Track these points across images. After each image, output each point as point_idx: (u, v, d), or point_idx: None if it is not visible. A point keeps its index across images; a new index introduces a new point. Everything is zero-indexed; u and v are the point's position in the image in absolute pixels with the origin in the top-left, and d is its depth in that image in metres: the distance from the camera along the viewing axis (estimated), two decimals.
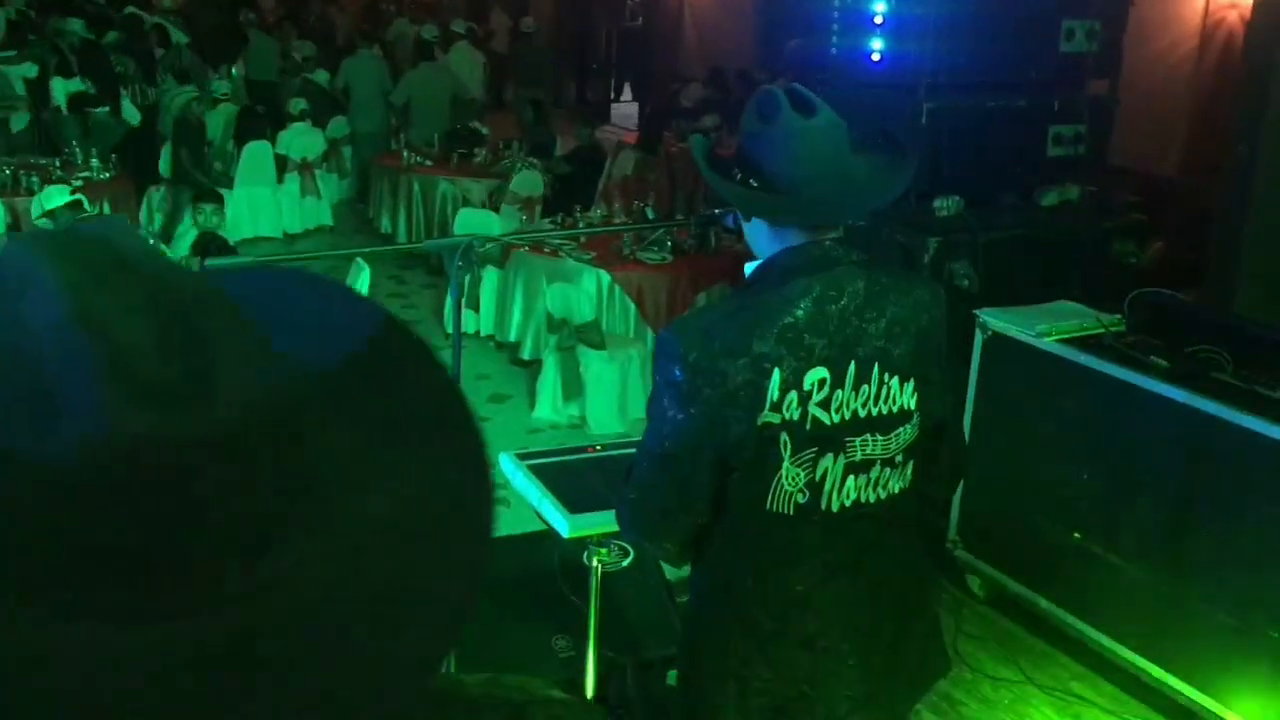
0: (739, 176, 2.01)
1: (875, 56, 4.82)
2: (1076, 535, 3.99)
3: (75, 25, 10.84)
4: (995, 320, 4.20)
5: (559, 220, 7.80)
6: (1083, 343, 3.97)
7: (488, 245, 7.63)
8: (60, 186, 6.58)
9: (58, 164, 8.42)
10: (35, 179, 7.92)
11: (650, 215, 7.80)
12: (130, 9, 12.91)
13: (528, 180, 8.79)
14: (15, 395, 0.57)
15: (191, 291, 0.62)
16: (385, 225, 9.78)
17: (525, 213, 8.46)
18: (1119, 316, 4.00)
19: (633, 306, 6.73)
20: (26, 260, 0.60)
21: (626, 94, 18.58)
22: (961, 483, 3.00)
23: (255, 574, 0.62)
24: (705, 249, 6.95)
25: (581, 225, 7.53)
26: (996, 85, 5.00)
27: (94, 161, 8.47)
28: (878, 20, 4.79)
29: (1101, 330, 3.97)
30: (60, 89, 9.77)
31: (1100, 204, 5.30)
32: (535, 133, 10.19)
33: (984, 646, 4.27)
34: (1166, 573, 3.71)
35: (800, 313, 1.95)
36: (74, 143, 8.89)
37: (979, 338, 4.24)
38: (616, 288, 6.72)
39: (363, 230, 10.40)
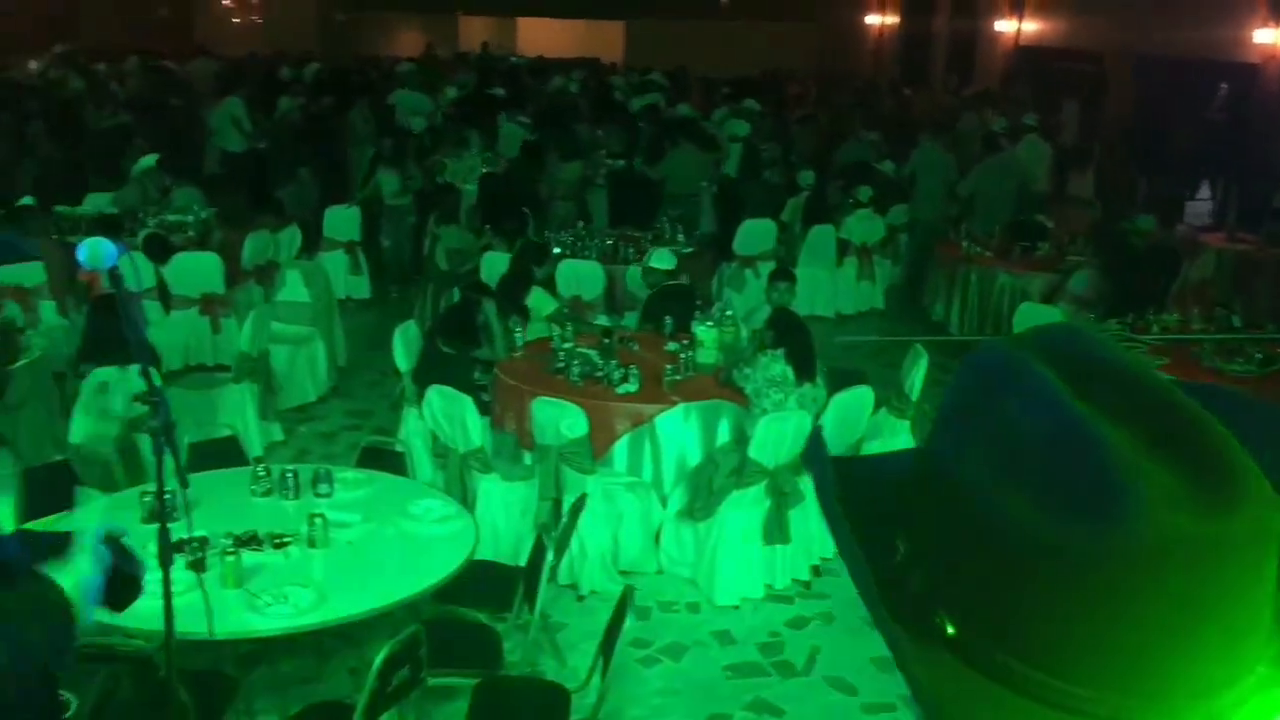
0: None
1: None
2: None
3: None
4: None
5: (1128, 322, 7.36)
6: None
7: None
8: (664, 250, 7.52)
9: (649, 237, 9.41)
10: (631, 249, 8.98)
11: (1236, 323, 7.13)
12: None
13: (1085, 279, 8.39)
14: (1028, 484, 0.64)
15: (1163, 394, 0.66)
16: (938, 313, 9.78)
17: (1077, 313, 8.07)
18: None
19: None
20: (1008, 359, 0.66)
21: (1204, 191, 17.21)
22: None
23: None
24: None
25: (1155, 330, 7.05)
26: None
27: (680, 237, 9.40)
28: None
29: None
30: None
31: None
32: (1103, 230, 9.72)
33: None
34: None
35: None
36: (664, 219, 9.89)
37: None
38: None
39: (913, 317, 10.48)
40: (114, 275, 2.01)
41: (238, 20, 24.19)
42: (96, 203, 9.37)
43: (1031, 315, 7.79)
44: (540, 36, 24.67)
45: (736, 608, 5.39)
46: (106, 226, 8.66)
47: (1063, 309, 8.04)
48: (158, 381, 2.20)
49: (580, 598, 5.37)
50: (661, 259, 7.60)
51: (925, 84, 19.80)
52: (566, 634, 5.03)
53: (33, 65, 17.05)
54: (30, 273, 7.97)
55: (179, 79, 16.34)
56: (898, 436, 6.32)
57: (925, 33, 21.41)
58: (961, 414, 0.67)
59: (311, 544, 4.06)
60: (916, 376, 6.29)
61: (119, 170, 10.25)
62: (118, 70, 17.03)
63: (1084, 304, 8.15)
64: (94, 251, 2.17)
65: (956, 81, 18.73)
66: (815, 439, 0.94)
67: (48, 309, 7.96)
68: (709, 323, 6.51)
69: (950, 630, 0.79)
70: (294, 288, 8.06)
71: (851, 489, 0.88)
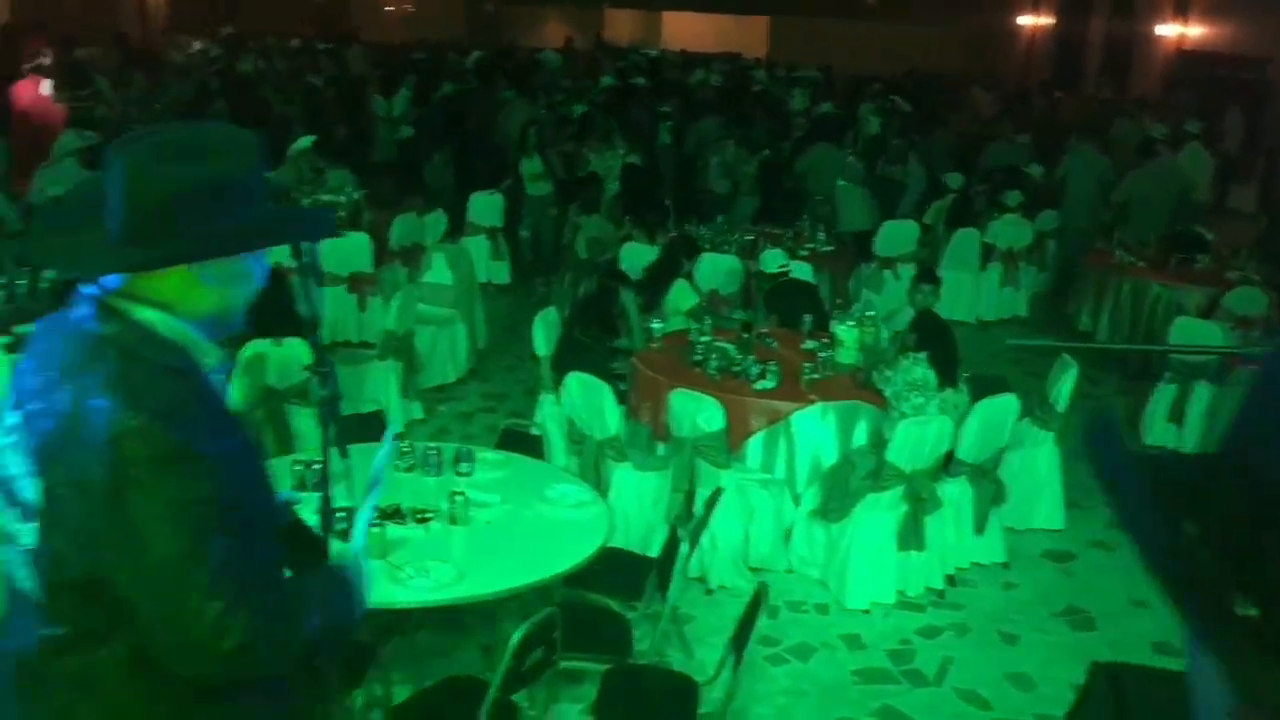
0: None
1: None
2: None
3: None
4: None
5: None
6: None
7: (1208, 357, 7.10)
8: (776, 251, 7.51)
9: (790, 234, 9.33)
10: (766, 244, 8.91)
11: None
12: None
13: (1247, 297, 8.02)
14: None
15: None
16: (1084, 323, 9.48)
17: (1240, 332, 7.71)
18: None
19: None
20: None
21: None
22: None
23: None
24: None
25: None
26: None
27: (820, 235, 9.30)
28: None
29: None
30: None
31: None
32: (1270, 245, 9.28)
33: None
34: None
35: None
36: (806, 217, 9.80)
37: None
38: None
39: (1056, 325, 10.17)
40: (296, 250, 2.08)
41: (391, 8, 24.81)
42: None
43: (1188, 331, 7.49)
44: (684, 31, 24.70)
45: (866, 612, 5.31)
46: None
47: (1221, 326, 7.70)
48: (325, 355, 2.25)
49: (709, 591, 5.36)
50: (771, 260, 7.50)
51: (1078, 87, 19.20)
52: (694, 627, 5.03)
53: (196, 45, 17.75)
54: None
55: (341, 64, 16.83)
56: (1041, 448, 6.15)
57: (1080, 35, 20.75)
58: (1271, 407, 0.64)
59: (452, 521, 4.13)
60: (1064, 386, 6.10)
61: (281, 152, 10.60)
62: (283, 53, 17.61)
63: (1243, 324, 7.80)
64: None
65: (1112, 86, 18.11)
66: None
67: None
68: (849, 323, 6.43)
69: (1252, 612, 0.78)
70: (438, 270, 8.22)
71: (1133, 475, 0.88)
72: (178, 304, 1.90)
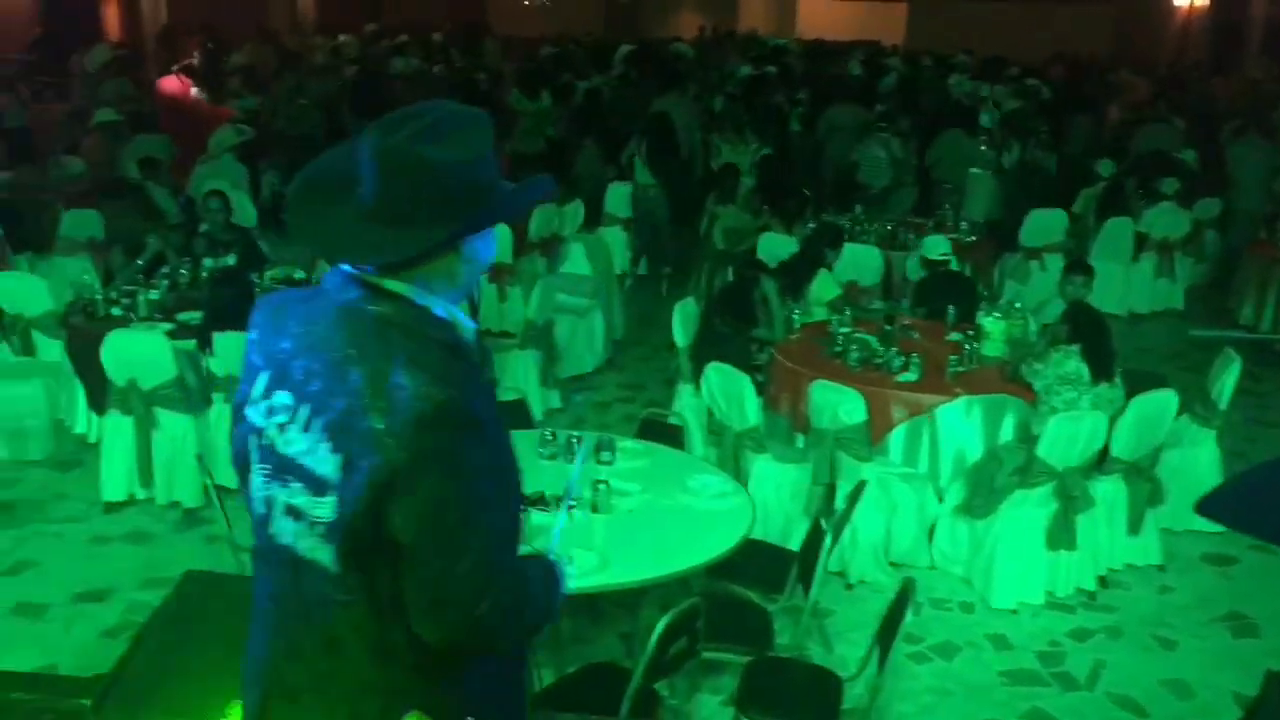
0: None
1: None
2: None
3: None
4: None
5: None
6: None
7: None
8: (939, 238, 7.31)
9: (931, 224, 9.15)
10: (911, 235, 8.77)
11: None
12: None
13: None
14: None
15: None
16: (1247, 316, 9.05)
17: None
18: None
19: None
20: None
21: None
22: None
23: None
24: None
25: None
26: None
27: (963, 225, 9.08)
28: None
29: None
30: None
31: None
32: None
33: None
34: None
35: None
36: (946, 207, 9.59)
37: None
38: None
39: (1215, 318, 9.73)
40: None
41: (528, 2, 25.11)
42: None
43: None
44: (819, 18, 24.39)
45: (1014, 612, 5.16)
46: None
47: None
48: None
49: (849, 586, 5.28)
50: (935, 246, 7.34)
51: (1238, 70, 18.30)
52: (834, 621, 4.96)
53: (341, 38, 18.24)
54: None
55: (484, 61, 17.12)
56: (1201, 446, 5.88)
57: (1239, 16, 19.78)
58: None
59: (594, 509, 4.15)
60: (1227, 382, 5.82)
61: None
62: (423, 48, 17.97)
63: None
64: None
65: (1276, 69, 17.21)
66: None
67: None
68: (995, 314, 6.25)
69: None
70: (576, 261, 8.29)
71: None
72: (438, 280, 1.97)
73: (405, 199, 1.89)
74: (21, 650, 4.56)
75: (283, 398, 1.91)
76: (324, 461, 1.86)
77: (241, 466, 2.00)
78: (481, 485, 1.89)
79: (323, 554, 1.89)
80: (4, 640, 4.67)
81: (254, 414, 1.96)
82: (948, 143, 10.98)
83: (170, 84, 13.95)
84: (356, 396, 1.84)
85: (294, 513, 1.91)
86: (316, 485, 1.87)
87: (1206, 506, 1.12)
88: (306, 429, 1.88)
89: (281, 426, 1.91)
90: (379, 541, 1.86)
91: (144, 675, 2.70)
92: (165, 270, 6.87)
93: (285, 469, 1.91)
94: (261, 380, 1.95)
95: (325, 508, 1.87)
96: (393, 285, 1.94)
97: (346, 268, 1.96)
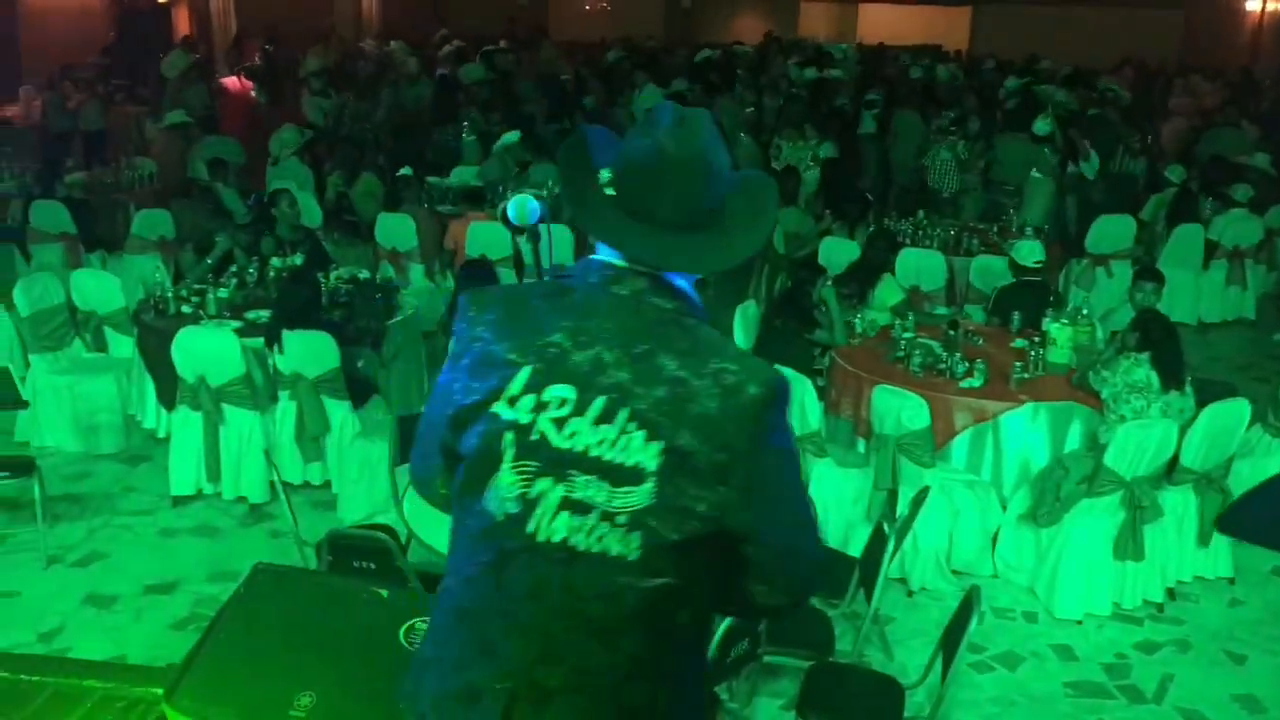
0: None
1: None
2: None
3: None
4: None
5: None
6: None
7: None
8: (1035, 244, 7.25)
9: (995, 230, 9.04)
10: (975, 240, 8.69)
11: None
12: None
13: None
14: None
15: None
16: None
17: None
18: None
19: None
20: None
21: None
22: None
23: None
24: None
25: None
26: None
27: (1027, 229, 8.97)
28: None
29: None
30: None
31: None
32: None
33: None
34: None
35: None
36: (1010, 212, 9.47)
37: None
38: None
39: None
40: (533, 232, 2.12)
41: (589, 7, 25.21)
42: (463, 175, 10.03)
43: None
44: (881, 23, 24.22)
45: (1079, 623, 5.08)
46: (471, 198, 9.28)
47: None
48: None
49: (910, 593, 5.23)
50: (1029, 252, 7.17)
51: None
52: (894, 628, 4.92)
53: (392, 45, 18.41)
54: (404, 237, 8.66)
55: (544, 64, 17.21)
56: (1273, 457, 5.75)
57: None
58: None
59: None
60: None
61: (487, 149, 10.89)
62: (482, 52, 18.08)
63: None
64: (521, 208, 2.30)
65: None
66: None
67: (417, 272, 8.62)
68: (1062, 320, 6.17)
69: None
70: None
71: None
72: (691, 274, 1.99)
73: (712, 200, 1.91)
74: (92, 639, 4.66)
75: (560, 391, 1.85)
76: (635, 451, 1.81)
77: (484, 466, 1.91)
78: (800, 464, 2.00)
79: (616, 544, 1.84)
80: (76, 629, 4.77)
81: (511, 411, 1.88)
82: (1008, 146, 10.84)
83: (231, 84, 14.22)
84: (678, 384, 1.81)
85: (577, 506, 1.85)
86: (621, 475, 1.82)
87: (1224, 524, 1.07)
88: (604, 420, 1.83)
89: (559, 421, 1.85)
90: (703, 521, 1.84)
91: (215, 666, 2.73)
92: (233, 269, 6.98)
93: (564, 463, 1.85)
94: (521, 376, 1.87)
95: (636, 496, 1.82)
96: (673, 280, 1.92)
97: (607, 259, 1.93)
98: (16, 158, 10.44)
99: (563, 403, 1.85)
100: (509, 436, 1.87)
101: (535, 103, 13.31)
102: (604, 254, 1.93)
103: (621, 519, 1.83)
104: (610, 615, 1.86)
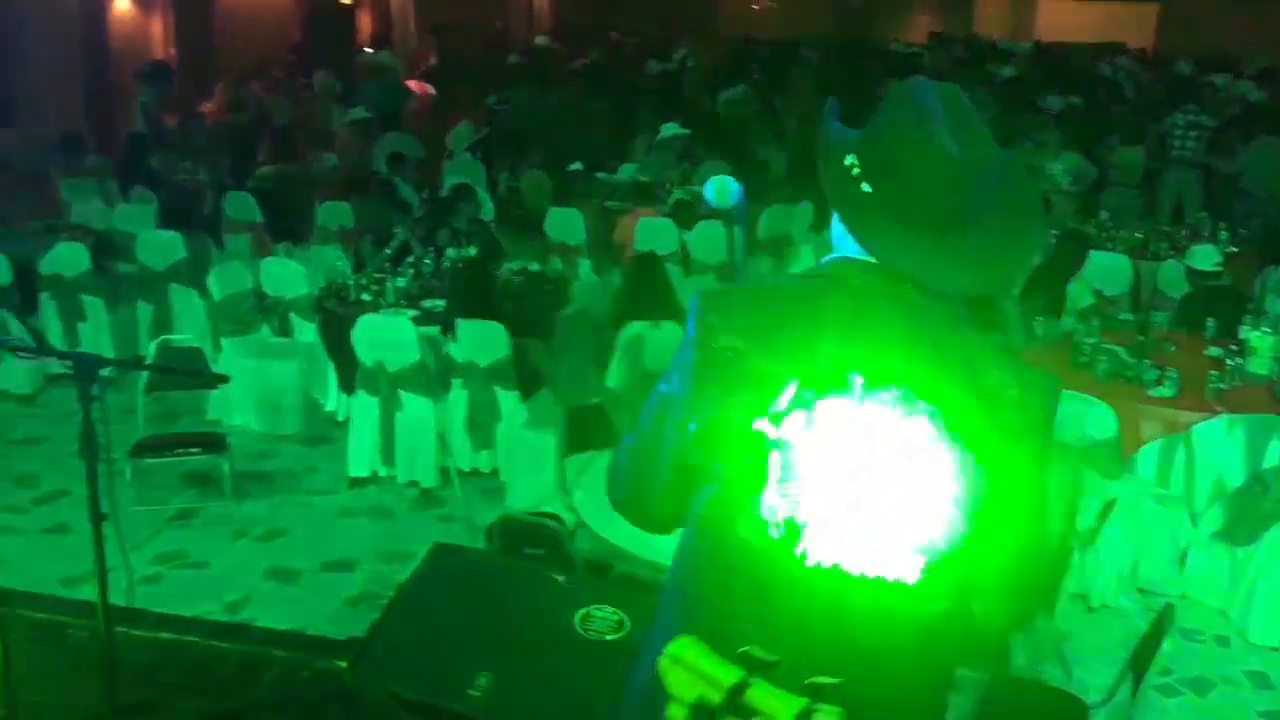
0: None
1: None
2: None
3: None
4: None
5: None
6: None
7: None
8: (1210, 248, 7.04)
9: (1184, 233, 8.61)
10: (1164, 244, 8.32)
11: None
12: None
13: None
14: None
15: None
16: None
17: None
18: None
19: None
20: None
21: None
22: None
23: None
24: None
25: None
26: None
27: (1222, 234, 8.51)
28: None
29: None
30: None
31: None
32: None
33: None
34: None
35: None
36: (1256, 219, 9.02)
37: None
38: None
39: None
40: (730, 215, 2.07)
41: (756, 7, 25.10)
42: (630, 171, 10.08)
43: None
44: (1061, 19, 23.36)
45: (1276, 649, 4.77)
46: (640, 193, 9.31)
47: None
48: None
49: (1090, 609, 5.00)
50: (1205, 257, 6.86)
51: None
52: (1073, 645, 4.71)
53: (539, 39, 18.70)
54: (573, 232, 8.75)
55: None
56: None
57: None
58: None
59: None
60: None
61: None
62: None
63: None
64: (721, 190, 2.28)
65: None
66: None
67: (585, 267, 8.70)
68: (1264, 329, 5.81)
69: None
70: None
71: None
72: None
73: (987, 196, 1.72)
74: (275, 611, 4.84)
75: (839, 406, 1.66)
76: (937, 467, 1.66)
77: (742, 487, 1.70)
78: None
79: (898, 567, 1.68)
80: (259, 601, 4.97)
81: (779, 427, 1.67)
82: (1259, 151, 10.25)
83: (411, 84, 14.70)
84: (985, 396, 1.66)
85: (854, 530, 1.67)
86: (914, 495, 1.66)
87: None
88: (898, 437, 1.66)
89: (838, 438, 1.66)
90: (973, 531, 1.68)
91: (396, 641, 2.80)
92: (410, 259, 7.17)
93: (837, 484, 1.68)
94: (785, 390, 1.67)
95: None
96: None
97: (860, 257, 1.74)
98: (212, 152, 10.96)
99: (845, 420, 1.66)
100: (776, 456, 1.67)
101: (705, 101, 13.32)
102: (851, 250, 1.75)
103: (906, 541, 1.68)
104: (884, 639, 1.68)
